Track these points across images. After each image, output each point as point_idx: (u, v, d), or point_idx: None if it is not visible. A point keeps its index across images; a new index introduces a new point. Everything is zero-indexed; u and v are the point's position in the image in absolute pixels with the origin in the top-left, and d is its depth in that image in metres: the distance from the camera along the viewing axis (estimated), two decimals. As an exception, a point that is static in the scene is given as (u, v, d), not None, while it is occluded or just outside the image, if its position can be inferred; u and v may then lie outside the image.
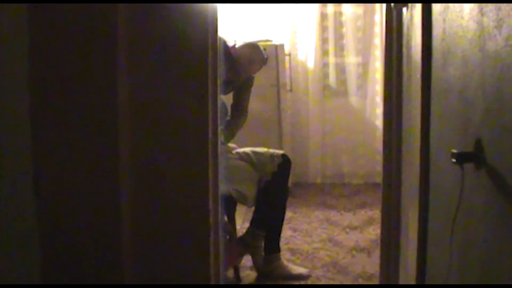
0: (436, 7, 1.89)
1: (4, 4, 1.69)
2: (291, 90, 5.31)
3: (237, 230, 3.46)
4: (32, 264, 1.89)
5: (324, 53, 5.48)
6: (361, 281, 3.28)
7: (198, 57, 1.95)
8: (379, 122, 5.23)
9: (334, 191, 5.22)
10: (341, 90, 5.55)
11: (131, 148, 1.94)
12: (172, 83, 1.96)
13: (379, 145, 4.85)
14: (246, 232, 3.36)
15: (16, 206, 1.80)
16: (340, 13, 5.44)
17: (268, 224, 3.33)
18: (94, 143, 1.90)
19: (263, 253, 3.35)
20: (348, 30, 5.43)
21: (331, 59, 5.50)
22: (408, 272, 2.34)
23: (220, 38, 2.22)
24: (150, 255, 1.99)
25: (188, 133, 1.98)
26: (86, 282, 1.93)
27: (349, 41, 5.45)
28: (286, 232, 3.92)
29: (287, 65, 5.20)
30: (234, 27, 5.14)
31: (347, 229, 4.14)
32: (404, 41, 2.46)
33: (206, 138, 1.97)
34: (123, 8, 1.87)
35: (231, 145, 3.44)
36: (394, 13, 2.56)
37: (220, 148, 2.09)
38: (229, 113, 3.42)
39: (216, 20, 2.03)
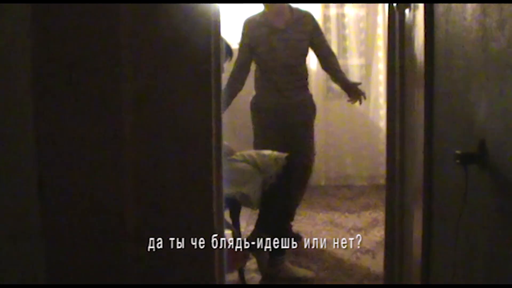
0: (439, 8, 1.89)
1: (7, 3, 1.69)
2: (294, 92, 5.30)
3: (242, 233, 3.46)
4: (36, 264, 1.89)
5: (327, 55, 5.47)
6: (366, 283, 3.28)
7: (201, 59, 1.95)
8: (382, 123, 5.22)
9: (338, 193, 5.21)
10: (345, 92, 5.55)
11: (135, 151, 1.94)
12: (175, 85, 1.96)
13: (382, 146, 4.83)
14: (251, 234, 3.36)
15: (20, 208, 1.80)
16: (343, 15, 5.44)
17: (273, 226, 3.33)
18: (98, 145, 1.90)
19: (267, 256, 3.35)
20: (351, 32, 5.42)
21: (334, 61, 5.49)
22: (412, 273, 2.33)
23: (224, 40, 2.23)
24: (154, 258, 1.99)
25: (191, 136, 1.98)
26: (90, 282, 1.93)
27: (352, 43, 5.45)
28: (290, 234, 3.92)
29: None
30: (236, 29, 5.14)
31: (352, 231, 4.13)
32: (407, 42, 2.46)
33: (210, 140, 1.97)
34: (126, 9, 1.87)
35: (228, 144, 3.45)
36: (397, 14, 2.56)
37: (223, 150, 2.10)
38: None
39: (219, 22, 2.03)
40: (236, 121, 3.91)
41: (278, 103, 3.89)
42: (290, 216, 3.92)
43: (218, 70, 2.01)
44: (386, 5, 2.75)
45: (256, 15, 3.94)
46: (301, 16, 3.89)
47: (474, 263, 1.54)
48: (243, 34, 3.93)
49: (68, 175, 1.91)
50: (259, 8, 5.24)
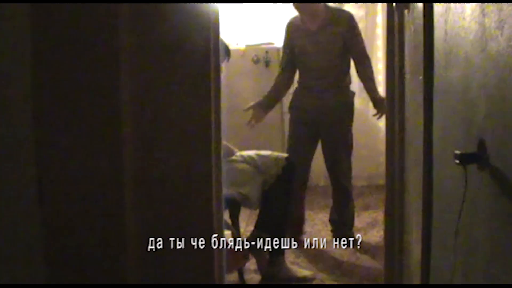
0: (438, 8, 1.89)
1: (6, 4, 1.69)
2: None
3: (241, 233, 3.46)
4: (36, 264, 1.89)
5: (327, 55, 5.46)
6: (366, 283, 3.28)
7: (200, 59, 1.95)
8: (382, 123, 5.22)
9: (337, 193, 5.20)
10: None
11: (134, 152, 1.94)
12: (174, 86, 1.96)
13: (382, 146, 4.82)
14: (251, 234, 3.36)
15: (20, 209, 1.80)
16: (342, 15, 5.43)
17: (273, 226, 3.33)
18: (98, 148, 1.90)
19: (267, 256, 3.35)
20: (350, 32, 5.41)
21: (334, 61, 5.48)
22: (412, 273, 2.33)
23: (222, 41, 2.23)
24: (154, 259, 1.99)
25: (191, 136, 1.98)
26: (90, 282, 1.93)
27: (352, 43, 5.44)
28: (290, 235, 3.92)
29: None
30: (236, 30, 5.15)
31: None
32: (406, 43, 2.46)
33: (209, 141, 1.97)
34: (125, 9, 1.87)
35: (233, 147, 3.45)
36: (396, 15, 2.56)
37: (223, 150, 2.10)
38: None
39: (218, 22, 2.03)
40: (236, 121, 3.91)
41: (310, 103, 3.90)
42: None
43: (217, 70, 2.01)
44: (385, 5, 2.75)
45: (295, 18, 3.94)
46: (336, 17, 3.82)
47: (473, 263, 1.54)
48: (284, 36, 3.97)
49: (68, 175, 1.91)
50: (261, 10, 5.29)
